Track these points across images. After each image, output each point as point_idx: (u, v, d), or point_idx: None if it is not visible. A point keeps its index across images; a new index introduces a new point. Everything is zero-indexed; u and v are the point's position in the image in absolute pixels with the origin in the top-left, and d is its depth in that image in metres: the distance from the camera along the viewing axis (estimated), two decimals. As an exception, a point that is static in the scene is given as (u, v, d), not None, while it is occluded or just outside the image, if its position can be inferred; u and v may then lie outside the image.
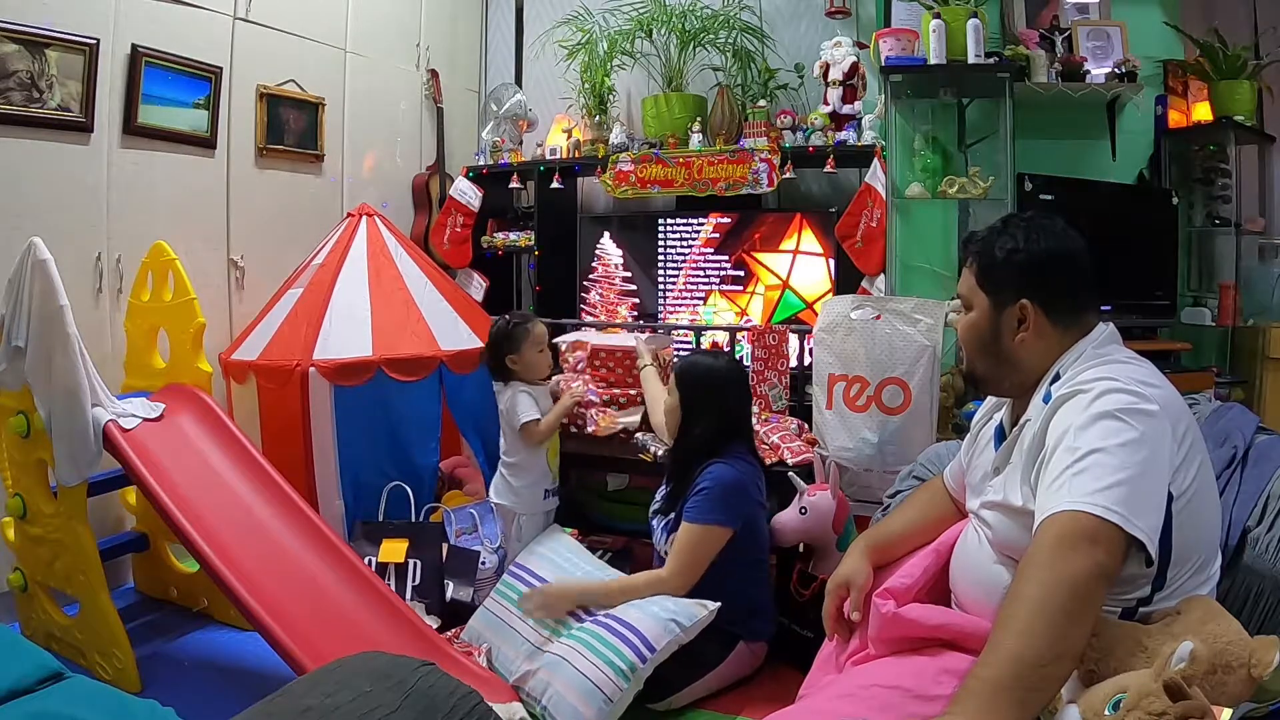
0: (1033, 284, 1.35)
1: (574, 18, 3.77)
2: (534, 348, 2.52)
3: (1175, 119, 3.12)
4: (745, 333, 3.14)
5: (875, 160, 2.99)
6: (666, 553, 2.12)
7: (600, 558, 2.35)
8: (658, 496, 2.31)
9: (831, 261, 3.22)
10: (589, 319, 3.52)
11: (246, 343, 2.87)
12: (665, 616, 1.89)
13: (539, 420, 2.48)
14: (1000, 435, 1.44)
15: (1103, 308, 1.42)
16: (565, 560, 2.20)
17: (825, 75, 3.25)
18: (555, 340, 3.27)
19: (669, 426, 2.29)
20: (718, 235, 3.45)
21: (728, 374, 2.28)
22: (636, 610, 1.92)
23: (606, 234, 3.62)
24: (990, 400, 1.57)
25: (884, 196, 2.91)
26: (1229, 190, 3.08)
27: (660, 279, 3.57)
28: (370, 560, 2.42)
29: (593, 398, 2.78)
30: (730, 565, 2.06)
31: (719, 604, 1.92)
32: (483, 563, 2.58)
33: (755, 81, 3.51)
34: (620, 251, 3.59)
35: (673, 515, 2.15)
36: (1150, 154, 3.16)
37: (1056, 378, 1.32)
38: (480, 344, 2.95)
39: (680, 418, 2.23)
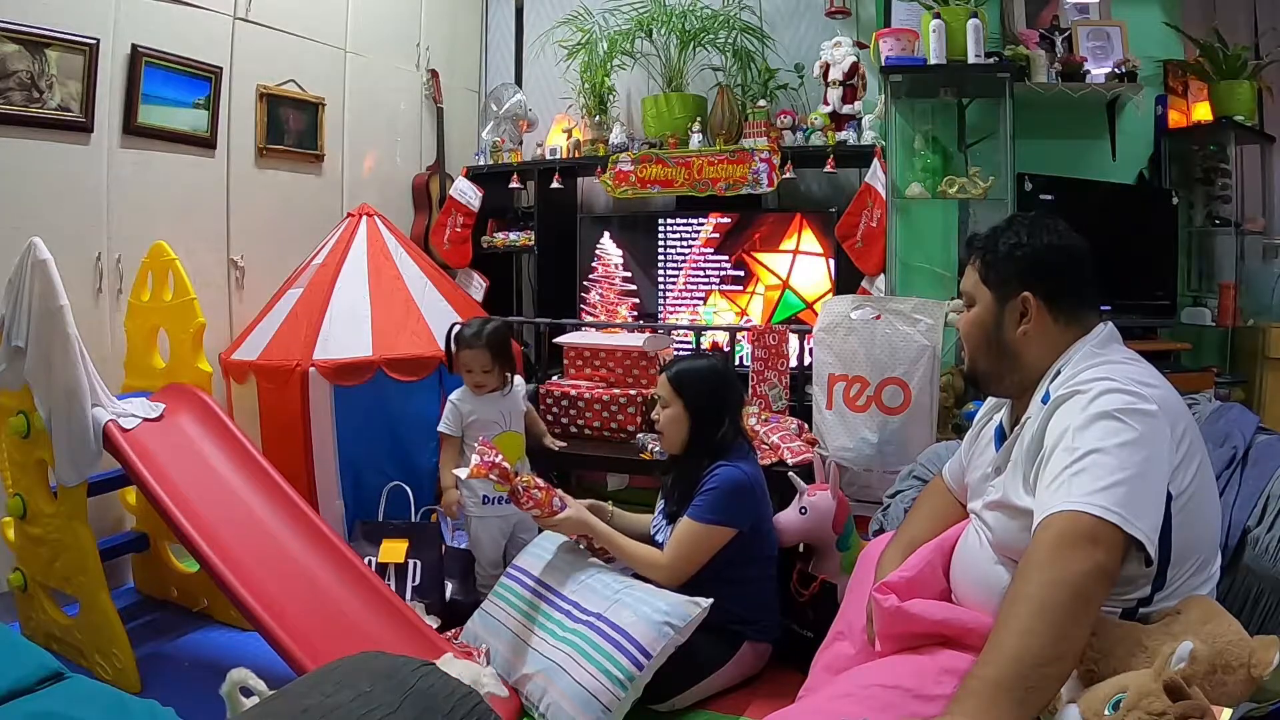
0: (1036, 277, 1.37)
1: (574, 18, 3.78)
2: (461, 368, 2.54)
3: (1175, 119, 3.12)
4: (745, 333, 3.14)
5: (875, 160, 2.99)
6: None
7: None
8: (658, 512, 2.28)
9: (831, 261, 3.22)
10: (589, 319, 3.52)
11: (246, 343, 2.87)
12: (659, 619, 1.87)
13: (446, 435, 2.56)
14: (1000, 435, 1.45)
15: (1102, 308, 1.43)
16: (563, 562, 2.19)
17: (825, 75, 3.25)
18: (556, 340, 3.28)
19: (673, 438, 2.20)
20: (718, 235, 3.45)
21: (725, 373, 2.28)
22: (630, 614, 1.91)
23: (606, 234, 3.62)
24: (990, 400, 1.57)
25: (884, 196, 2.91)
26: (1229, 190, 3.08)
27: (660, 279, 3.57)
28: (370, 560, 2.42)
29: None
30: (736, 564, 2.06)
31: (711, 600, 1.91)
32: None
33: (755, 81, 3.51)
34: (620, 251, 3.59)
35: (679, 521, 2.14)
36: (1150, 154, 3.16)
37: (1056, 376, 1.32)
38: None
39: (689, 426, 2.17)
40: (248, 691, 1.46)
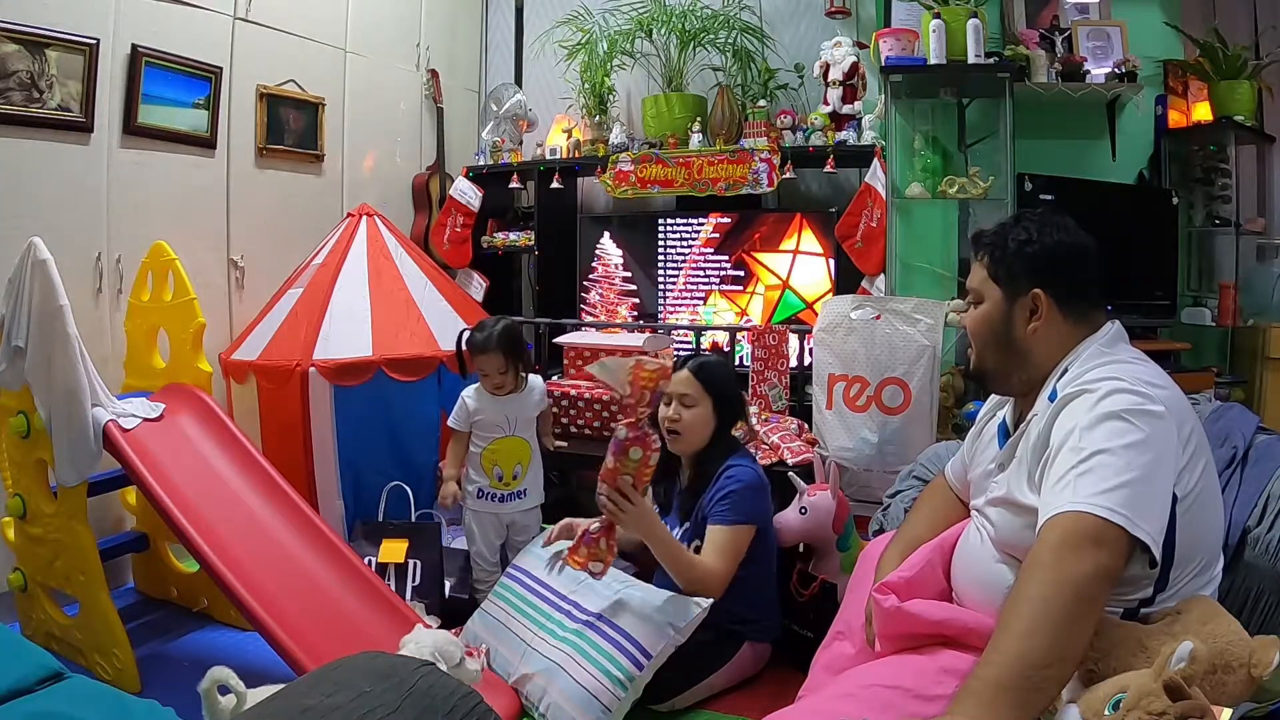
0: (1046, 274, 1.36)
1: (574, 18, 3.78)
2: (478, 372, 2.53)
3: (1175, 119, 3.12)
4: (745, 333, 3.14)
5: (875, 160, 2.99)
6: None
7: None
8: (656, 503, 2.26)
9: (831, 261, 3.22)
10: (589, 319, 3.52)
11: (246, 343, 2.87)
12: (659, 620, 1.87)
13: (454, 430, 2.55)
14: (1004, 433, 1.44)
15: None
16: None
17: (825, 75, 3.25)
18: (556, 340, 3.28)
19: (695, 438, 2.13)
20: (718, 235, 3.45)
21: (734, 371, 2.28)
22: (630, 614, 1.91)
23: (606, 234, 3.62)
24: (994, 397, 1.56)
25: (884, 196, 2.91)
26: (1229, 190, 3.08)
27: (660, 279, 3.57)
28: (370, 560, 2.42)
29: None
30: (740, 565, 2.06)
31: (711, 600, 1.90)
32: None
33: (755, 81, 3.51)
34: (620, 251, 3.59)
35: (689, 522, 2.13)
36: (1150, 154, 3.17)
37: (1063, 374, 1.32)
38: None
39: (714, 424, 2.13)
40: (225, 690, 1.47)
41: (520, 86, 4.15)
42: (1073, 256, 1.37)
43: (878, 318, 2.53)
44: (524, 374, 2.58)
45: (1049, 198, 2.80)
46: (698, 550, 2.05)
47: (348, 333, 2.76)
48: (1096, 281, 1.39)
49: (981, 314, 1.43)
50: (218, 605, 2.48)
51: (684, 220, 3.52)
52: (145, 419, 2.25)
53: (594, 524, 1.84)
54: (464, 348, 2.58)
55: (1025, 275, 1.37)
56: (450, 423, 2.57)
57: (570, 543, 2.00)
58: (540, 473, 2.61)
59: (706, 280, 3.48)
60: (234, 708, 1.48)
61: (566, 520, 2.15)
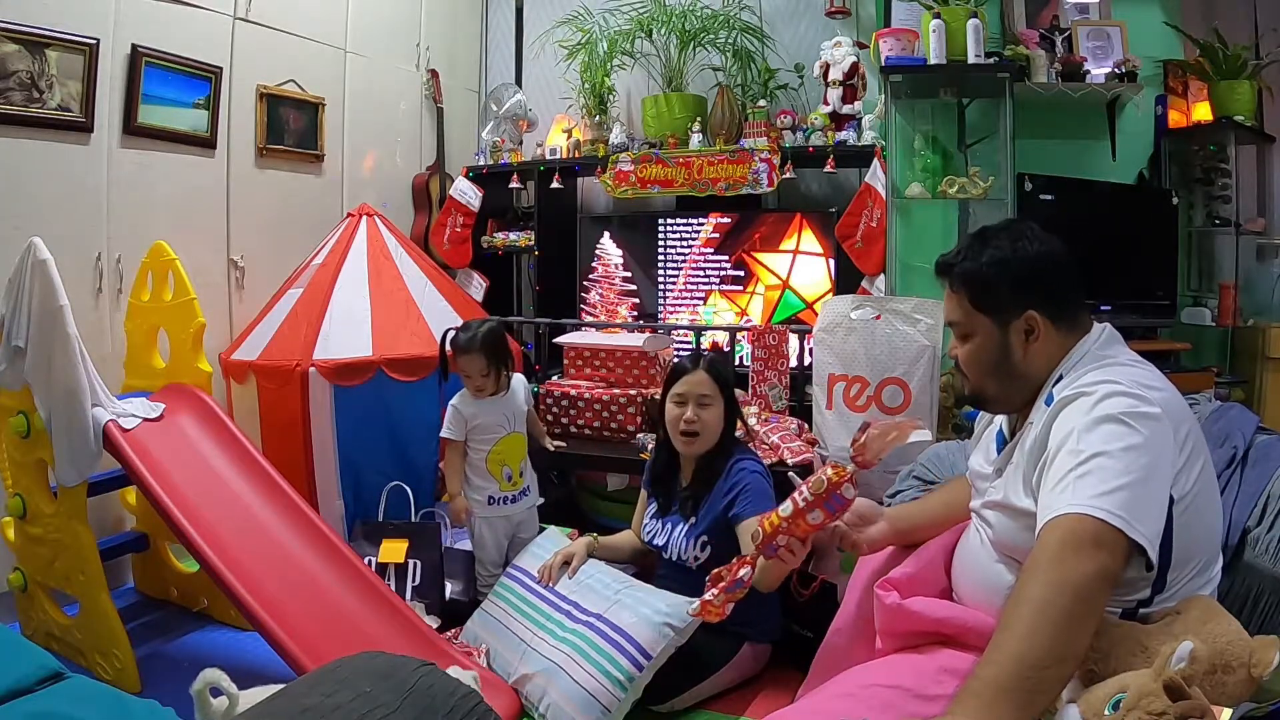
0: (1033, 291, 1.33)
1: (574, 18, 3.78)
2: (459, 373, 2.50)
3: (1175, 119, 3.12)
4: (745, 333, 3.14)
5: (875, 160, 2.99)
6: (683, 559, 2.11)
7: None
8: (648, 516, 2.25)
9: (831, 261, 3.22)
10: (589, 319, 3.52)
11: (246, 343, 2.88)
12: (659, 620, 1.87)
13: (450, 440, 2.49)
14: (1000, 439, 1.44)
15: (1102, 308, 1.42)
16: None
17: (825, 75, 3.25)
18: (556, 340, 3.28)
19: (712, 437, 2.12)
20: (718, 235, 3.45)
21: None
22: (630, 615, 1.91)
23: (606, 234, 3.62)
24: None
25: (884, 196, 2.91)
26: (1229, 190, 3.08)
27: (660, 279, 3.57)
28: (370, 560, 2.42)
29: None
30: None
31: None
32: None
33: (755, 81, 3.51)
34: (620, 251, 3.59)
35: (695, 519, 2.13)
36: (1150, 154, 3.16)
37: (1059, 379, 1.31)
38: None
39: (725, 421, 2.13)
40: (216, 692, 1.47)
41: (520, 86, 4.16)
42: (1053, 265, 1.34)
43: (878, 318, 2.53)
44: (507, 375, 2.55)
45: (1049, 198, 2.81)
46: (706, 545, 2.07)
47: (348, 333, 2.76)
48: (1079, 285, 1.36)
49: (976, 348, 1.38)
50: (218, 605, 2.48)
51: (684, 220, 3.52)
52: (145, 419, 2.25)
53: (742, 571, 1.60)
54: (448, 349, 2.55)
55: (1012, 298, 1.33)
56: (445, 433, 2.49)
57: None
58: (532, 469, 2.61)
59: (706, 280, 3.48)
60: (226, 710, 1.47)
61: (564, 551, 2.18)
